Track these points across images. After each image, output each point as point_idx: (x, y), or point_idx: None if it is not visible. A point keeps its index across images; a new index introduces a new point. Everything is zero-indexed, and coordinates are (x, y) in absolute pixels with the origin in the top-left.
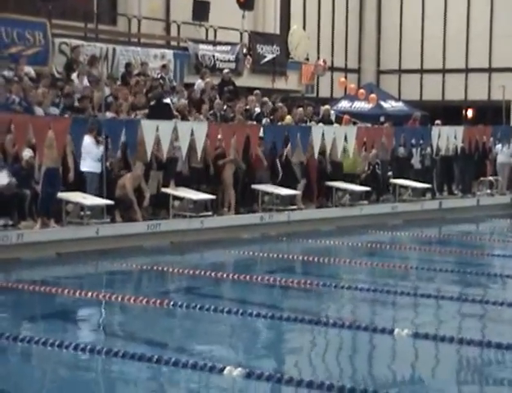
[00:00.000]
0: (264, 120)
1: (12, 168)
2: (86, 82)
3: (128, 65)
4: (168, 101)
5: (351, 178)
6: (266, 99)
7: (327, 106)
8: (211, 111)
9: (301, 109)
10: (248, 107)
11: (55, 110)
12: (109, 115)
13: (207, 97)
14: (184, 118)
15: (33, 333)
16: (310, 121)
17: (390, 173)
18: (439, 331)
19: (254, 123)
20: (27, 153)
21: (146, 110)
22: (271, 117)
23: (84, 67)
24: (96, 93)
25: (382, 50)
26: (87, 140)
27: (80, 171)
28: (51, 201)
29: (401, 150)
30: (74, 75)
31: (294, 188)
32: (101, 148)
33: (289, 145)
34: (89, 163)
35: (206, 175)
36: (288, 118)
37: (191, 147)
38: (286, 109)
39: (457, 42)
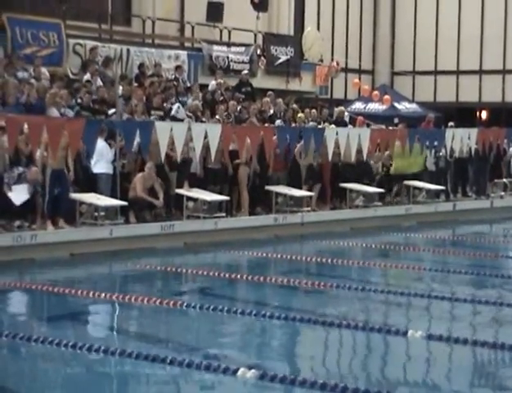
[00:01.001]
0: (278, 121)
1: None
2: (99, 82)
3: (141, 65)
4: (174, 108)
5: (408, 178)
6: (279, 100)
7: (341, 108)
8: (226, 113)
9: (314, 110)
10: (263, 109)
11: (69, 113)
12: (124, 116)
13: (219, 98)
14: (197, 119)
15: (46, 334)
16: (324, 123)
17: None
18: (453, 333)
19: (268, 124)
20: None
21: (161, 113)
22: (284, 117)
23: (98, 68)
24: (114, 95)
25: (396, 51)
26: (101, 143)
27: (92, 172)
28: (62, 202)
29: None
30: (86, 76)
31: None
32: (113, 151)
33: (297, 146)
34: (102, 165)
35: (220, 176)
36: (300, 115)
37: (206, 148)
38: (300, 110)
39: (471, 43)
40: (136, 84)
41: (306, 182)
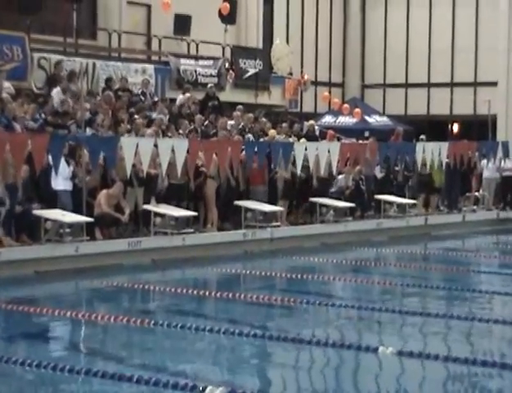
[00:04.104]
0: (250, 136)
1: None
2: (63, 96)
3: (108, 79)
4: None
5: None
6: (250, 115)
7: (312, 122)
8: (191, 127)
9: (285, 124)
10: (233, 123)
11: (33, 125)
12: (89, 131)
13: (186, 113)
14: (164, 134)
15: (11, 353)
16: (295, 137)
17: None
18: (424, 348)
19: (238, 138)
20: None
21: (128, 126)
22: (251, 128)
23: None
24: (79, 109)
25: (366, 64)
26: None
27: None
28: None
29: (378, 171)
30: (55, 91)
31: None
32: (71, 167)
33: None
34: (59, 181)
35: (187, 192)
36: (272, 131)
37: (172, 164)
38: (269, 123)
39: (442, 55)
40: (99, 98)
41: (283, 197)
